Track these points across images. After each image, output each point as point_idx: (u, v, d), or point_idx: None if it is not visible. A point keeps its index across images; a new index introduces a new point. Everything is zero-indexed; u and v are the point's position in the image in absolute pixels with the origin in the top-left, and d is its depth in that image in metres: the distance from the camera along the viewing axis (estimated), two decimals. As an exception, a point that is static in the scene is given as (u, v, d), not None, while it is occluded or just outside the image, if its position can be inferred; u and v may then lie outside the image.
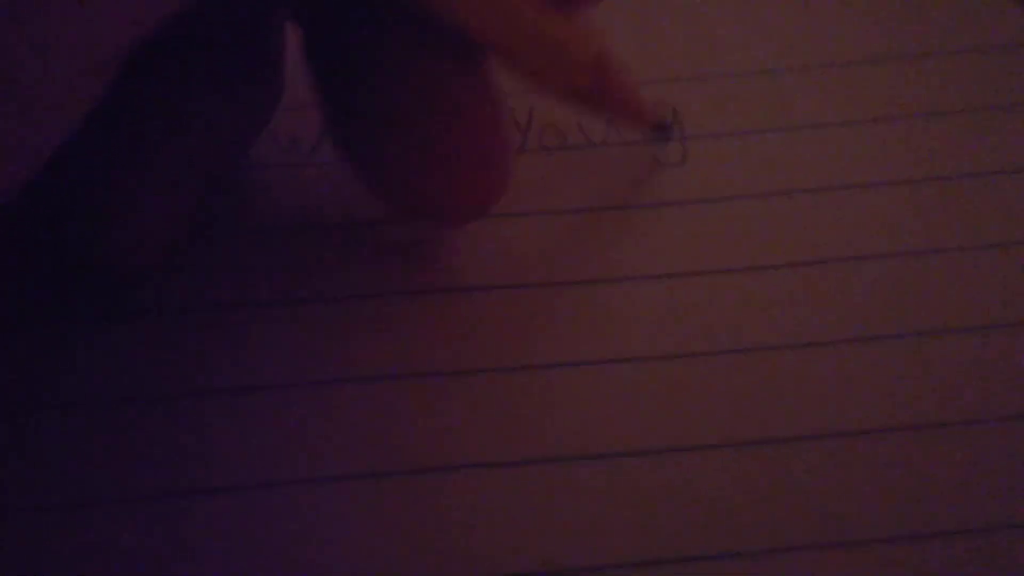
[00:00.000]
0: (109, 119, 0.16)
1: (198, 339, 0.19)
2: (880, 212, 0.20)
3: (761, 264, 0.19)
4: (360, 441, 0.17)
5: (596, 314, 0.19)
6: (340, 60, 0.19)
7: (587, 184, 0.21)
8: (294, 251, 0.20)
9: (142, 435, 0.17)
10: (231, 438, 0.17)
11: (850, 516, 0.16)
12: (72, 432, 0.17)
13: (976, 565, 0.16)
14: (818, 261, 0.19)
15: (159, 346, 0.19)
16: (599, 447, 0.17)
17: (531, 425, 0.17)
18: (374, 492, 0.17)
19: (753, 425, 0.17)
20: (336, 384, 0.18)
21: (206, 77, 0.18)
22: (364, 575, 0.16)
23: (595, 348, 0.18)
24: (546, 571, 0.16)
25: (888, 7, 0.24)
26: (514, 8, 0.18)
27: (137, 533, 0.16)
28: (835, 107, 0.22)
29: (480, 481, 0.17)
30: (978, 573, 0.15)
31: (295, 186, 0.21)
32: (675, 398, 0.18)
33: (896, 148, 0.21)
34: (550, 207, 0.21)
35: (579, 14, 0.19)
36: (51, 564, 0.16)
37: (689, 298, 0.19)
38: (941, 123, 0.22)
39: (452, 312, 0.19)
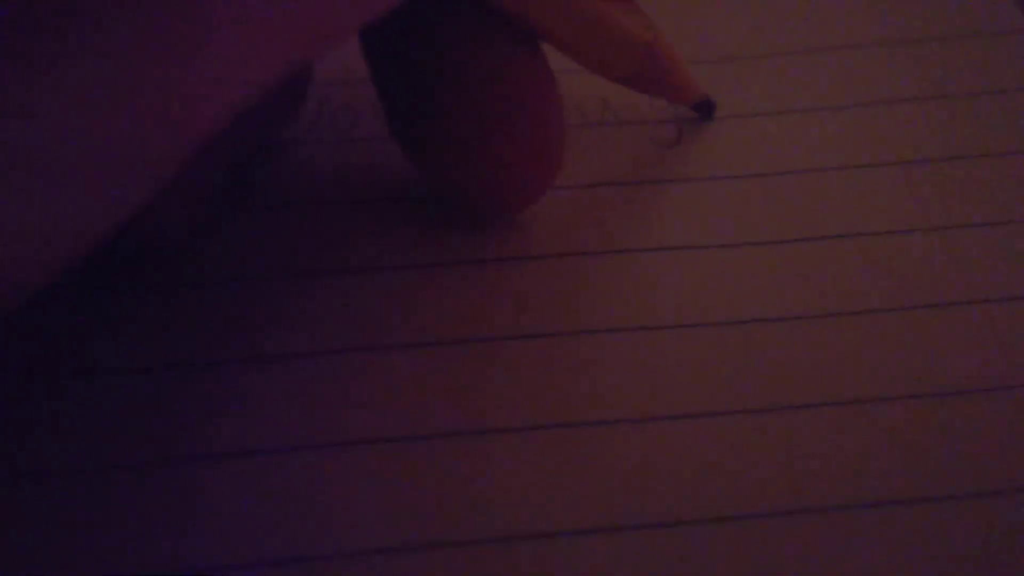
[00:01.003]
0: None
1: (239, 309, 0.19)
2: (875, 192, 0.21)
3: (755, 240, 0.20)
4: (393, 406, 0.18)
5: (615, 284, 0.19)
6: (397, 51, 0.19)
7: (586, 163, 0.21)
8: (333, 223, 0.20)
9: (179, 401, 0.18)
10: (267, 404, 0.18)
11: (859, 480, 0.17)
12: (110, 397, 0.18)
13: (987, 528, 0.16)
14: (814, 237, 0.20)
15: (200, 315, 0.19)
16: (625, 413, 0.17)
17: (561, 390, 0.18)
18: (405, 456, 0.17)
19: (764, 393, 0.18)
20: (369, 351, 0.18)
21: None
22: (389, 539, 0.16)
23: (616, 317, 0.19)
24: (573, 531, 0.16)
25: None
26: None
27: (167, 495, 0.16)
28: (828, 91, 0.23)
29: (511, 444, 0.17)
30: (989, 535, 0.16)
31: (337, 159, 0.22)
32: (696, 366, 0.18)
33: (889, 131, 0.22)
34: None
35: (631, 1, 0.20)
36: (73, 526, 0.16)
37: (695, 272, 0.19)
38: (932, 107, 0.22)
39: (479, 282, 0.19)
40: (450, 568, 0.16)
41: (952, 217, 0.20)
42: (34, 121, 0.12)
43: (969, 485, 0.16)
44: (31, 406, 0.18)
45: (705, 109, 0.22)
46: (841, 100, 0.22)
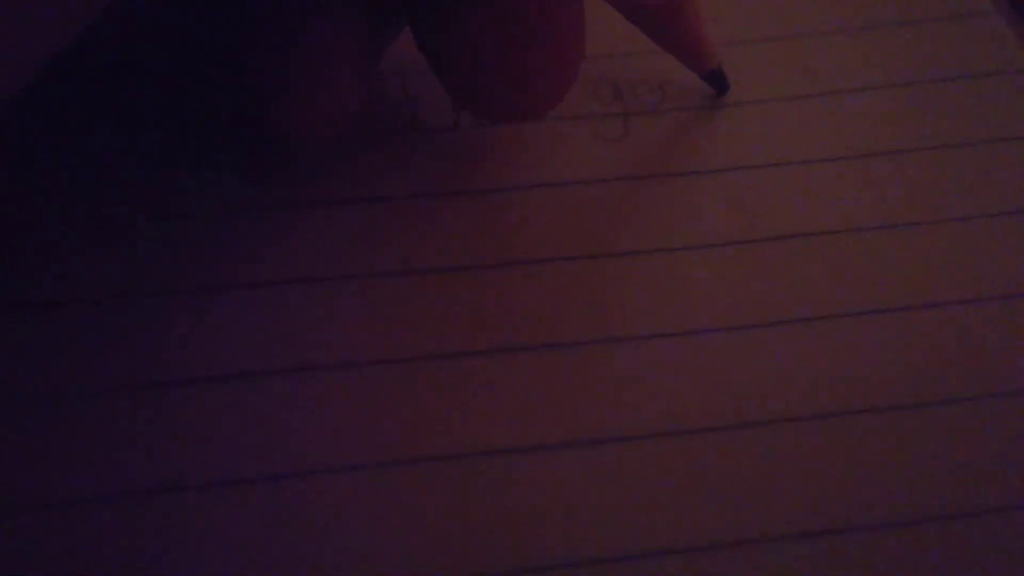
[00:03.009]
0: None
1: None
2: (831, 187, 0.20)
3: (709, 242, 0.19)
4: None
5: (589, 291, 0.18)
6: None
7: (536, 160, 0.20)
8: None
9: (136, 425, 0.17)
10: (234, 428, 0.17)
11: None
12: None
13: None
14: (770, 238, 0.19)
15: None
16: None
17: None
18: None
19: (735, 407, 0.17)
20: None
21: None
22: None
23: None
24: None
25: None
26: None
27: (132, 527, 0.16)
28: (782, 82, 0.21)
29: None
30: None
31: None
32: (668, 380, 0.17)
33: (848, 122, 0.21)
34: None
35: None
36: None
37: (655, 279, 0.19)
38: (895, 97, 0.21)
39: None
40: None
41: (916, 213, 0.19)
42: None
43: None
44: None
45: (718, 81, 0.21)
46: (796, 91, 0.21)
